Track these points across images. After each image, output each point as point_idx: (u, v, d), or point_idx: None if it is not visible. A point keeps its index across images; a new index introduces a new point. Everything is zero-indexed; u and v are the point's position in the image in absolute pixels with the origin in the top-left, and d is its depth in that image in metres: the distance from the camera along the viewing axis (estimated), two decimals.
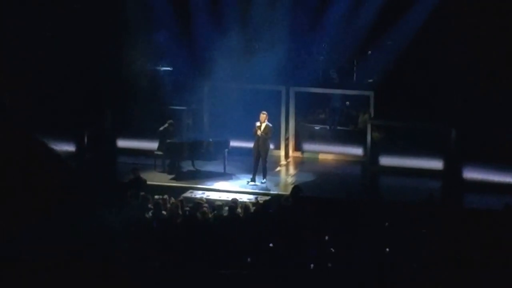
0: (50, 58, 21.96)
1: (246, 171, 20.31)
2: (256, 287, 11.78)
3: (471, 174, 19.90)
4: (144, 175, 18.62)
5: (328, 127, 23.65)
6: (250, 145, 19.89)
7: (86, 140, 22.50)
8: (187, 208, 15.70)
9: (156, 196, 16.16)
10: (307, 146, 22.97)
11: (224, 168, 20.54)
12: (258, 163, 19.64)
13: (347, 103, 23.79)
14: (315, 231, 14.15)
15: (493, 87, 20.45)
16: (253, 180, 19.59)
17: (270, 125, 19.67)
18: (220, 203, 16.13)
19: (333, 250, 13.21)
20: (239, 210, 15.43)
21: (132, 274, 9.58)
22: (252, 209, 15.66)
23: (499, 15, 20.64)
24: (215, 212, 15.47)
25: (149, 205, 15.82)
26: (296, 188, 16.92)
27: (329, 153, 22.71)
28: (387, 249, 13.10)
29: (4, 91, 20.20)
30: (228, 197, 17.81)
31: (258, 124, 19.52)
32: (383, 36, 22.60)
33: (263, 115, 19.54)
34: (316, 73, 23.20)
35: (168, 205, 15.83)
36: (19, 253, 9.39)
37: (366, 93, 22.47)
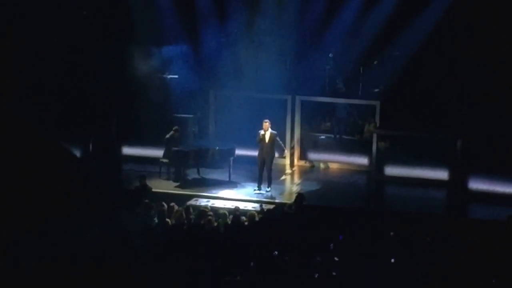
0: (57, 64, 22.01)
1: (251, 179, 20.33)
2: None
3: (476, 184, 19.88)
4: (149, 183, 18.63)
5: (333, 136, 23.64)
6: (256, 153, 19.89)
7: (91, 146, 22.52)
8: (192, 216, 15.71)
9: (164, 204, 16.17)
10: (312, 155, 22.97)
11: (229, 176, 20.56)
12: (263, 171, 19.66)
13: (353, 112, 23.80)
14: (320, 239, 14.16)
15: (499, 97, 20.45)
16: (259, 188, 19.62)
17: (275, 132, 19.71)
18: (224, 211, 16.13)
19: (337, 259, 13.20)
20: (243, 218, 15.44)
21: (138, 280, 9.66)
22: (258, 217, 15.67)
23: (505, 25, 20.66)
24: (220, 220, 15.48)
25: (153, 213, 15.87)
26: (300, 196, 16.97)
27: (334, 162, 22.71)
28: (392, 259, 13.09)
29: (10, 96, 20.25)
30: (233, 205, 17.83)
31: (262, 132, 19.53)
32: (390, 46, 22.62)
33: (266, 124, 19.57)
34: (322, 83, 23.21)
35: (173, 213, 15.85)
36: (37, 254, 9.48)
37: (372, 102, 22.49)
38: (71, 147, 21.08)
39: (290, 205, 16.93)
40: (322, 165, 22.78)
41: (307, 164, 22.87)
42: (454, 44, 21.12)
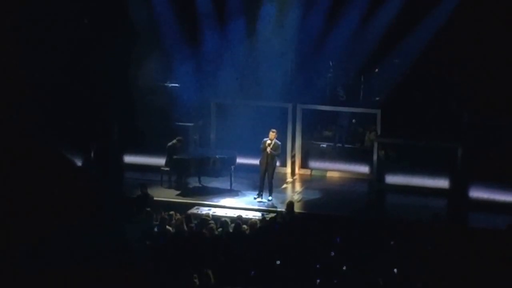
0: (58, 72, 22.04)
1: (252, 187, 20.35)
2: None
3: (476, 193, 19.89)
4: (151, 191, 18.66)
5: (334, 144, 23.64)
6: (257, 161, 19.91)
7: (93, 154, 22.56)
8: (192, 225, 15.74)
9: (166, 213, 16.23)
10: (313, 164, 22.98)
11: (231, 185, 20.58)
12: (265, 179, 19.69)
13: (354, 120, 23.82)
14: (320, 247, 14.20)
15: (499, 105, 20.49)
16: (259, 196, 19.64)
17: (279, 142, 19.74)
18: (226, 219, 16.17)
19: (338, 267, 13.23)
20: (244, 226, 15.48)
21: None
22: (259, 225, 15.73)
23: (505, 34, 20.72)
24: (221, 228, 15.52)
25: (154, 222, 15.93)
26: (290, 204, 17.22)
27: (335, 171, 22.73)
28: (392, 267, 13.11)
29: (12, 105, 20.30)
30: (235, 213, 17.87)
31: (268, 141, 19.54)
32: (390, 55, 22.66)
33: (273, 133, 19.57)
34: (323, 91, 23.26)
35: (173, 221, 15.90)
36: (38, 261, 9.51)
37: (373, 111, 22.48)
38: (72, 155, 21.17)
39: (282, 215, 17.08)
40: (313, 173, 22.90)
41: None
42: (454, 53, 21.15)
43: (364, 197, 20.95)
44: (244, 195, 20.21)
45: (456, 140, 20.74)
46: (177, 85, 23.98)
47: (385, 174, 21.28)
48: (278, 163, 20.47)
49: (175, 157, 20.77)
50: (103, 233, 12.37)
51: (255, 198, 19.67)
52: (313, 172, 22.86)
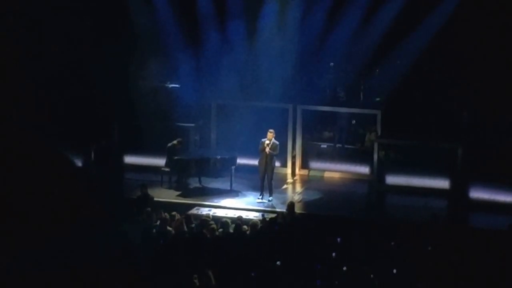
0: (59, 73, 22.06)
1: (253, 188, 20.35)
2: None
3: (477, 193, 19.88)
4: (151, 192, 18.66)
5: (334, 145, 23.66)
6: (257, 162, 19.89)
7: (93, 155, 22.56)
8: (193, 225, 15.74)
9: (168, 213, 16.23)
10: (313, 164, 22.99)
11: (231, 185, 20.57)
12: (264, 180, 19.67)
13: (353, 121, 23.83)
14: (321, 248, 14.19)
15: (499, 105, 20.50)
16: (261, 196, 19.63)
17: (277, 142, 19.71)
18: (226, 220, 16.16)
19: (339, 268, 13.23)
20: (245, 227, 15.48)
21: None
22: (259, 226, 15.73)
23: (505, 34, 20.73)
24: (222, 229, 15.52)
25: (154, 222, 15.93)
26: (291, 205, 17.23)
27: (335, 172, 22.74)
28: (393, 268, 13.11)
29: (12, 105, 20.31)
30: (235, 214, 17.86)
31: (267, 142, 19.51)
32: (390, 56, 22.66)
33: (270, 133, 19.56)
34: (323, 92, 23.26)
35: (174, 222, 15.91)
36: (38, 263, 9.51)
37: (373, 111, 22.50)
38: (73, 156, 21.17)
39: (283, 215, 17.07)
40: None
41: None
42: (454, 53, 21.16)
43: (365, 198, 20.95)
44: (244, 195, 20.21)
45: (456, 140, 20.74)
46: (177, 85, 24.01)
47: (385, 174, 21.27)
48: (278, 164, 20.46)
49: (175, 157, 20.77)
50: (103, 233, 12.36)
51: (257, 199, 19.65)
52: (311, 173, 22.87)
